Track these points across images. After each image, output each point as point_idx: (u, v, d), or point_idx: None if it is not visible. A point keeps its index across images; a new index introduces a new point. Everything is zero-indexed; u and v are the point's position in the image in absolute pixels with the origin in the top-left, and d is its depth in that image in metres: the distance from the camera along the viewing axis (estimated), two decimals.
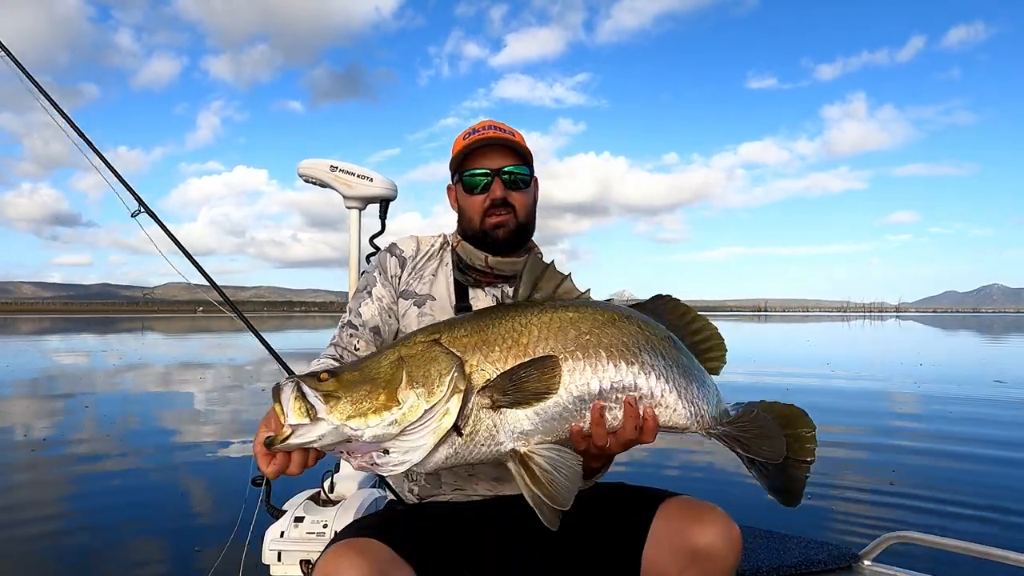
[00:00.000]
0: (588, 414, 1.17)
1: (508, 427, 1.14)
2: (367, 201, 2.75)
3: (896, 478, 5.08)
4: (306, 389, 1.06)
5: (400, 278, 1.63)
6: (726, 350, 1.39)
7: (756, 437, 1.31)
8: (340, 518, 2.16)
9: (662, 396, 1.22)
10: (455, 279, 1.61)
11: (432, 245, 1.69)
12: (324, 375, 1.09)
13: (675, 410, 1.23)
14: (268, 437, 1.06)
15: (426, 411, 1.06)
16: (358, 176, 2.67)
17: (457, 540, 1.40)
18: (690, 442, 6.57)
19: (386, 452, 1.07)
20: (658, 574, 1.31)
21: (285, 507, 2.26)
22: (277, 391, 1.07)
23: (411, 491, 1.59)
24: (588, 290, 1.33)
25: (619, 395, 1.18)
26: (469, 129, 1.63)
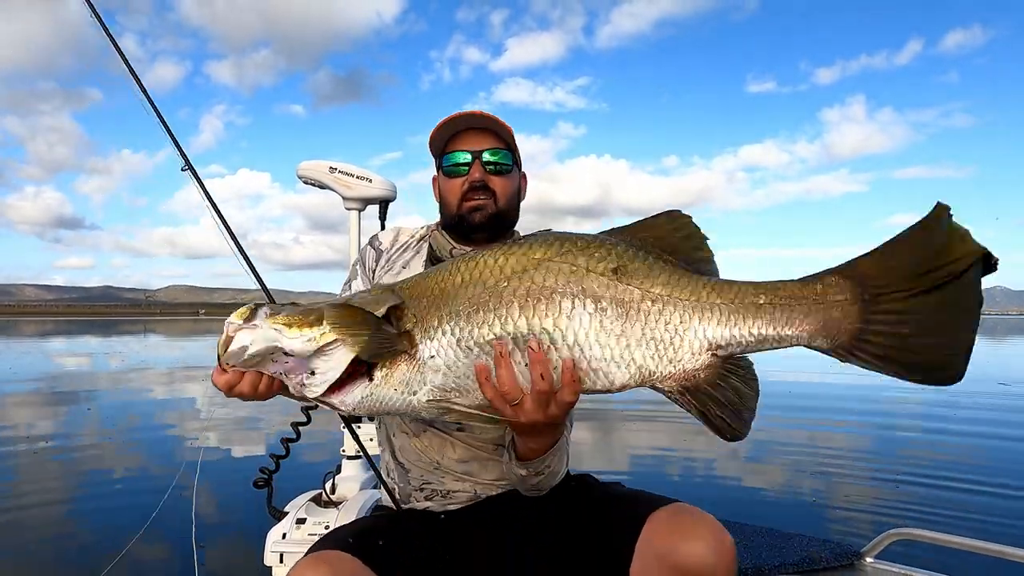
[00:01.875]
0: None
1: (420, 376, 1.11)
2: (366, 202, 2.75)
3: (900, 478, 5.07)
4: (256, 305, 1.13)
5: (374, 271, 1.61)
6: (706, 239, 1.11)
7: (721, 404, 1.05)
8: (341, 519, 2.16)
9: (588, 348, 1.05)
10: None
11: (412, 236, 1.65)
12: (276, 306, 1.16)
13: (603, 366, 1.05)
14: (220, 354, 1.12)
15: (339, 339, 1.09)
16: (357, 177, 2.67)
17: (437, 553, 1.39)
18: (694, 437, 6.56)
19: (312, 373, 1.11)
20: None
21: (287, 509, 2.27)
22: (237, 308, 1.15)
23: (391, 494, 1.58)
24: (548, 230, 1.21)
25: (526, 343, 1.06)
26: (454, 114, 1.55)
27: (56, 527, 4.09)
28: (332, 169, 2.66)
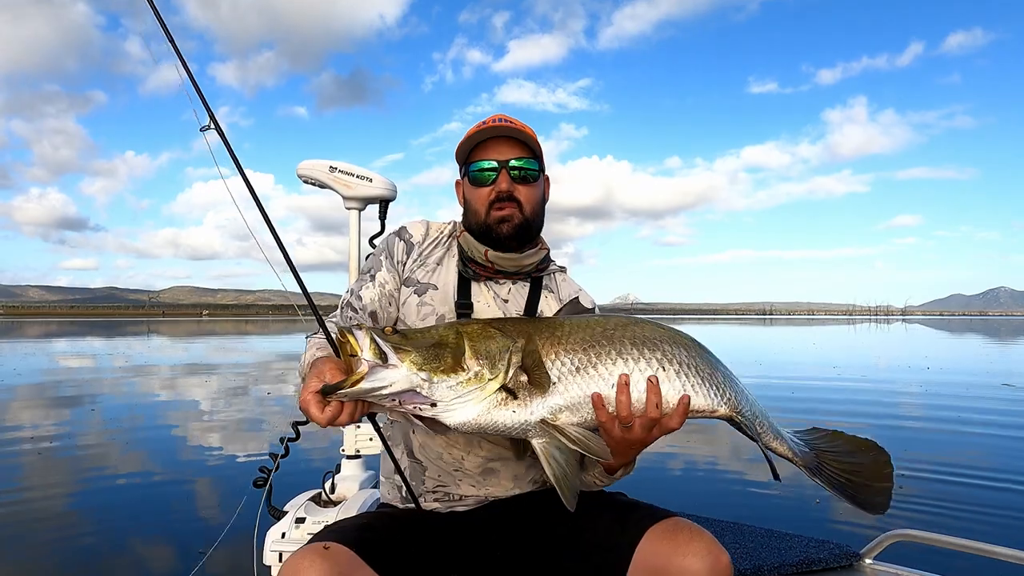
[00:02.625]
0: (614, 391, 1.24)
1: (541, 398, 1.23)
2: (366, 202, 2.75)
3: (902, 479, 5.06)
4: (377, 338, 1.13)
5: (405, 264, 1.60)
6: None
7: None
8: (341, 519, 2.16)
9: (686, 378, 1.29)
10: (459, 271, 1.57)
11: (441, 232, 1.65)
12: (388, 328, 1.18)
13: (699, 392, 1.29)
14: (327, 385, 1.10)
15: (489, 381, 1.17)
16: (357, 177, 2.67)
17: (433, 551, 1.39)
18: (695, 438, 6.56)
19: (433, 405, 1.15)
20: None
21: (286, 508, 2.27)
22: (345, 333, 1.13)
23: (396, 494, 1.58)
24: None
25: (642, 375, 1.25)
26: (480, 123, 1.57)
27: (60, 525, 4.10)
28: (332, 169, 2.66)
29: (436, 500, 1.52)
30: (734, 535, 2.68)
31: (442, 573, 1.38)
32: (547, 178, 1.62)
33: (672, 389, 1.27)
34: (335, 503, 2.34)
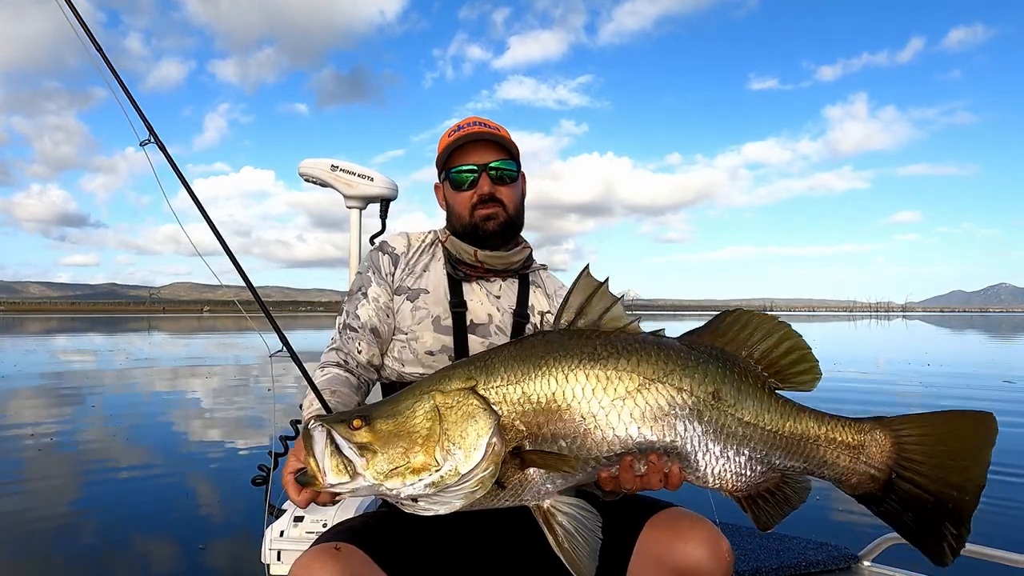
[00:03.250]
0: (618, 464, 1.17)
1: (535, 486, 1.16)
2: (368, 200, 2.76)
3: None
4: (340, 442, 1.04)
5: (394, 275, 1.62)
6: (815, 362, 1.26)
7: (774, 509, 1.24)
8: (339, 517, 2.16)
9: (691, 460, 1.18)
10: (448, 273, 1.61)
11: (423, 240, 1.68)
12: (357, 421, 1.07)
13: (701, 474, 1.20)
14: (302, 476, 1.06)
15: (464, 475, 1.05)
16: (358, 175, 2.67)
17: (441, 550, 1.39)
18: None
19: (415, 501, 1.08)
20: None
21: (285, 507, 2.27)
22: (309, 440, 1.06)
23: None
24: (637, 319, 1.27)
25: (647, 454, 1.16)
26: (454, 126, 1.61)
27: (61, 522, 4.11)
28: (334, 167, 2.66)
29: None
30: (732, 536, 2.68)
31: (450, 573, 1.38)
32: (524, 175, 1.66)
33: (672, 465, 1.17)
34: (334, 501, 2.35)
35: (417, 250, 1.66)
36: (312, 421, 1.08)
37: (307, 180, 2.72)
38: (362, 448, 1.04)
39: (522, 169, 1.64)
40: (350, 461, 1.03)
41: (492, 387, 1.14)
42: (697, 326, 1.28)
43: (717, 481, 1.20)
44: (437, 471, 1.04)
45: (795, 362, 1.25)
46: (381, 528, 1.37)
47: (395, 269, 1.63)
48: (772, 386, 1.25)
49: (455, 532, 1.46)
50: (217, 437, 6.71)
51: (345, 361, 1.55)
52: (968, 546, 1.98)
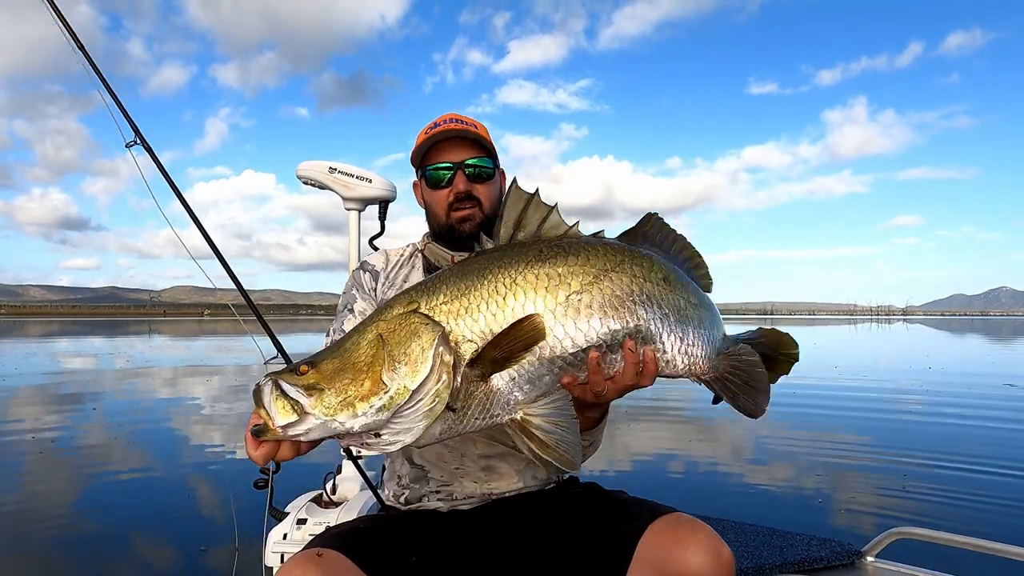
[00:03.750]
0: (584, 366, 1.13)
1: (502, 397, 1.10)
2: (366, 202, 2.75)
3: (905, 478, 5.06)
4: (286, 386, 1.03)
5: (376, 291, 1.63)
6: (707, 267, 1.35)
7: (744, 386, 1.25)
8: (342, 520, 2.16)
9: (659, 342, 1.18)
10: None
11: (402, 255, 1.69)
12: (304, 367, 1.06)
13: (671, 356, 1.20)
14: (256, 427, 1.04)
15: (414, 392, 1.01)
16: (356, 177, 2.67)
17: (436, 552, 1.38)
18: (696, 436, 6.55)
19: (377, 435, 1.04)
20: None
21: (287, 509, 2.27)
22: (257, 392, 1.05)
23: (398, 496, 1.58)
24: (576, 223, 1.23)
25: (616, 345, 1.14)
26: (430, 124, 1.60)
27: (62, 524, 4.10)
28: (332, 170, 2.66)
29: (439, 500, 1.52)
30: (736, 534, 2.68)
31: (444, 574, 1.38)
32: (502, 172, 1.65)
33: (646, 353, 1.16)
34: (336, 504, 2.35)
35: (396, 264, 1.66)
36: (264, 377, 1.07)
37: (305, 182, 2.72)
38: (309, 388, 1.02)
39: (500, 167, 1.63)
40: (297, 401, 1.01)
41: (435, 305, 1.10)
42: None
43: (687, 361, 1.21)
44: (386, 392, 1.01)
45: (697, 266, 1.34)
46: (374, 532, 1.37)
47: (376, 284, 1.63)
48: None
49: (451, 533, 1.45)
50: (218, 440, 6.71)
51: None
52: (979, 542, 1.99)
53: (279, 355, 1.91)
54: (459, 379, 1.07)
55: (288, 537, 2.13)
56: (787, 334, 1.41)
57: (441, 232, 1.59)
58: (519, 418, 1.12)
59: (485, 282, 1.12)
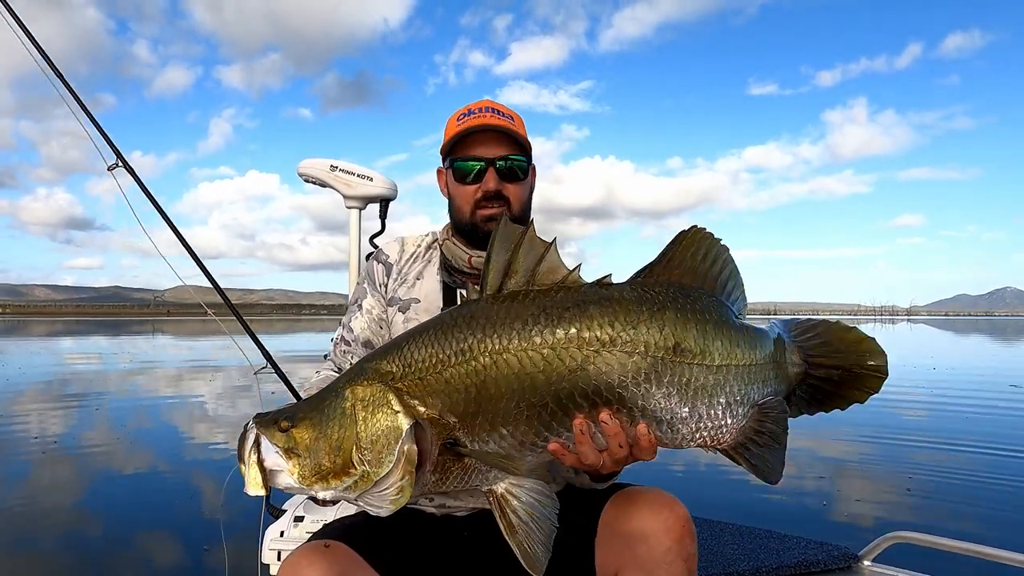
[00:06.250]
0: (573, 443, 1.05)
1: (479, 474, 1.07)
2: (367, 201, 2.75)
3: (907, 481, 5.04)
4: (266, 446, 1.03)
5: (387, 286, 1.56)
6: (744, 289, 1.18)
7: (767, 450, 1.10)
8: (340, 515, 2.16)
9: (656, 420, 1.06)
10: (442, 280, 1.53)
11: (419, 245, 1.60)
12: (284, 423, 1.04)
13: (671, 436, 1.08)
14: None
15: (378, 482, 1.00)
16: (358, 176, 2.67)
17: (439, 546, 1.39)
18: None
19: (356, 500, 1.05)
20: (607, 566, 1.27)
21: (285, 507, 2.27)
22: (240, 445, 1.05)
23: None
24: (578, 266, 1.10)
25: (597, 415, 1.04)
26: (464, 109, 1.49)
27: (65, 523, 4.12)
28: (333, 168, 2.67)
29: (433, 507, 1.51)
30: (733, 536, 2.68)
31: (448, 569, 1.38)
32: (534, 168, 1.55)
33: (639, 429, 1.05)
34: (334, 501, 2.35)
35: (412, 256, 1.58)
36: (251, 420, 1.07)
37: (307, 180, 2.72)
38: (288, 452, 1.02)
39: (532, 163, 1.52)
40: (275, 470, 1.02)
41: (410, 380, 1.04)
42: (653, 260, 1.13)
43: (694, 440, 1.08)
44: (353, 476, 1.00)
45: (734, 287, 1.17)
46: (373, 527, 1.36)
47: (387, 279, 1.56)
48: (736, 313, 1.15)
49: (454, 527, 1.46)
50: (219, 438, 6.72)
51: (340, 369, 1.52)
52: (977, 547, 1.98)
53: (268, 364, 1.91)
54: (433, 457, 1.04)
55: (285, 535, 2.12)
56: (866, 336, 1.23)
57: (463, 228, 1.49)
58: (500, 492, 1.08)
59: (464, 357, 1.03)
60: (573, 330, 1.02)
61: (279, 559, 2.07)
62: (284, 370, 2.56)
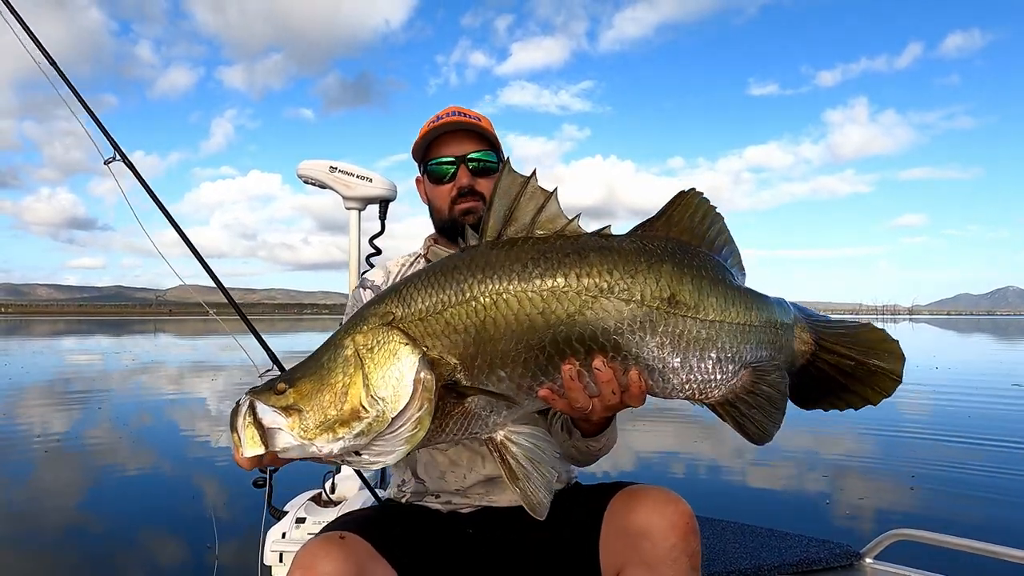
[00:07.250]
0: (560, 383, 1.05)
1: (479, 419, 1.06)
2: (366, 202, 2.75)
3: (909, 479, 5.04)
4: (261, 409, 1.00)
5: None
6: (740, 256, 1.19)
7: (755, 412, 1.10)
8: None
9: (649, 367, 1.06)
10: None
11: (403, 265, 1.65)
12: (281, 385, 1.02)
13: (662, 385, 1.08)
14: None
15: (394, 419, 0.98)
16: (357, 177, 2.67)
17: (439, 547, 1.40)
18: (696, 436, 6.54)
19: (357, 454, 1.01)
20: (611, 563, 1.28)
21: (286, 508, 2.28)
22: (233, 415, 1.02)
23: (399, 498, 1.59)
24: (577, 216, 1.10)
25: (599, 368, 1.04)
26: (432, 118, 1.56)
27: (67, 522, 4.13)
28: (332, 168, 2.66)
29: (439, 503, 1.53)
30: (735, 534, 2.68)
31: (456, 564, 1.39)
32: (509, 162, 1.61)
33: (631, 376, 1.05)
34: (335, 503, 2.35)
35: (397, 275, 1.62)
36: (244, 394, 1.05)
37: (306, 181, 2.72)
38: (287, 409, 0.99)
39: (505, 160, 1.59)
40: (272, 428, 0.99)
41: (412, 320, 1.03)
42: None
43: (683, 391, 1.08)
44: (365, 418, 0.97)
45: (730, 255, 1.17)
46: (387, 521, 1.39)
47: None
48: (734, 274, 1.15)
49: (460, 524, 1.47)
50: (223, 438, 6.73)
51: None
52: (978, 544, 1.98)
53: (274, 367, 1.89)
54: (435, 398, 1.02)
55: (287, 536, 2.13)
56: (891, 337, 1.23)
57: (444, 227, 1.55)
58: (499, 439, 1.08)
59: (464, 299, 1.03)
60: (572, 276, 1.03)
61: (280, 560, 2.07)
62: None
